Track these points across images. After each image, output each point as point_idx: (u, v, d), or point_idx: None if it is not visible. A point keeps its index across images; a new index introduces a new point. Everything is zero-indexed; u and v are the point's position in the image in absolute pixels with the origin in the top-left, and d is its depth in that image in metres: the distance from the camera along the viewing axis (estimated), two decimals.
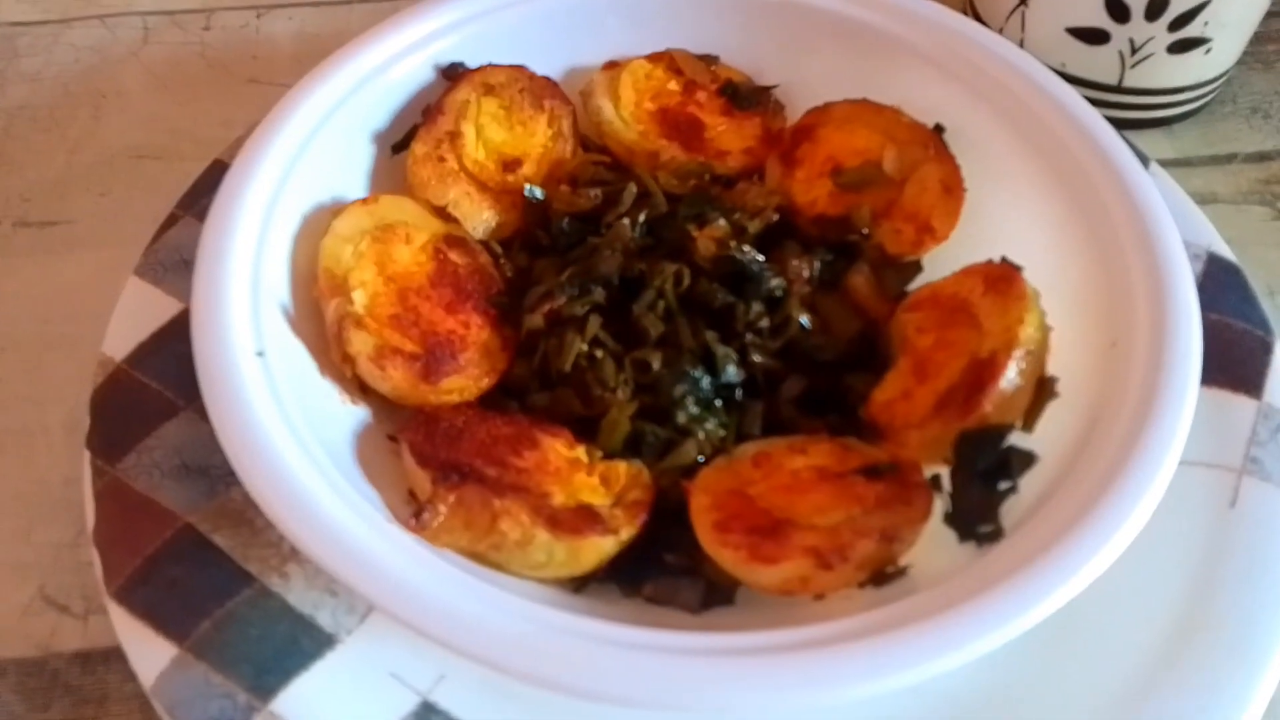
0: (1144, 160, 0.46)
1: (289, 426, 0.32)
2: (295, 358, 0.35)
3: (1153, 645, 0.34)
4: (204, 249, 0.35)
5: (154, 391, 0.39)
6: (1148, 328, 0.34)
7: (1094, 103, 0.52)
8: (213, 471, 0.38)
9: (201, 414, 0.39)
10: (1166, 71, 0.51)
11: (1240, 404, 0.39)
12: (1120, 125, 0.52)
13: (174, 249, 0.43)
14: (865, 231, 0.41)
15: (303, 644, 0.33)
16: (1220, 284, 0.43)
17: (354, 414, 0.36)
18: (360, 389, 0.37)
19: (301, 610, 0.34)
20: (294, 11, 0.60)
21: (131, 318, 0.41)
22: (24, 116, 0.54)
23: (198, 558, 0.35)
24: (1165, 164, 0.52)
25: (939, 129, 0.43)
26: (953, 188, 0.42)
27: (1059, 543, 0.29)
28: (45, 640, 0.37)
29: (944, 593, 0.29)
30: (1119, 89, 0.52)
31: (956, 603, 0.28)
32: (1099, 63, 0.51)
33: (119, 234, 0.48)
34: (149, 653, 0.33)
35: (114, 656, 0.36)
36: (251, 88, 0.56)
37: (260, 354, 0.33)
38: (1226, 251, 0.44)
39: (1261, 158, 0.54)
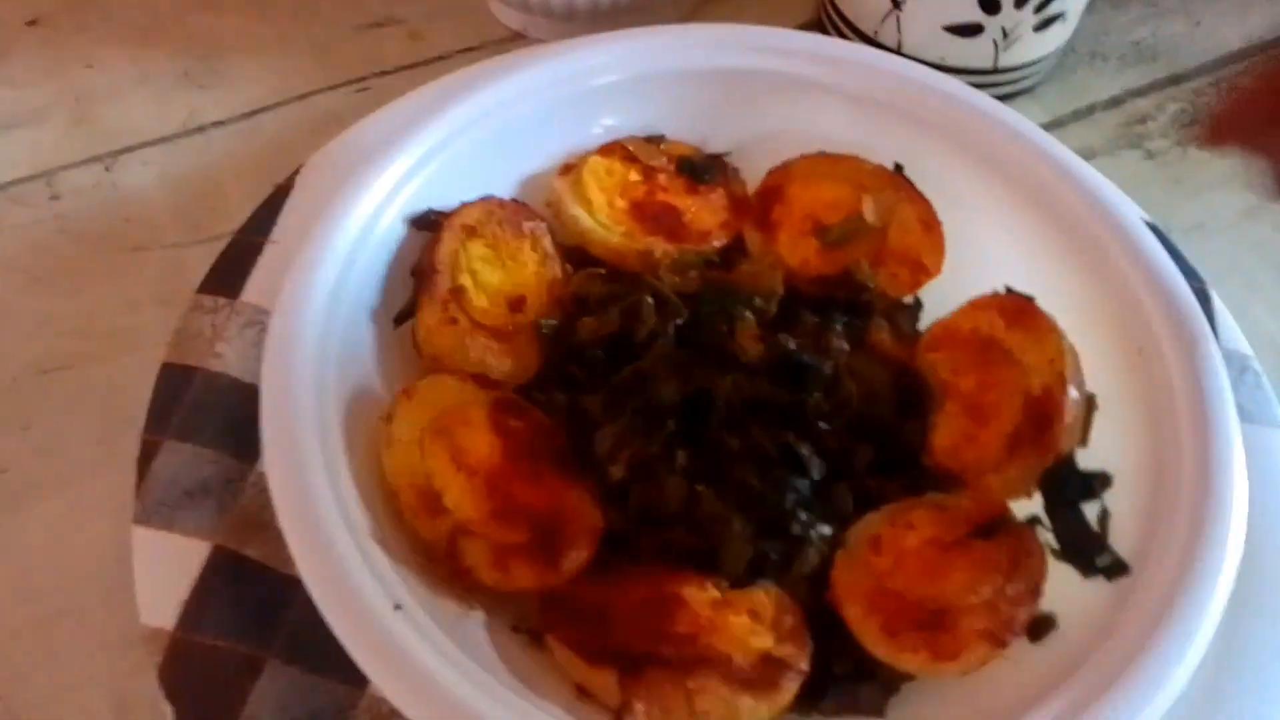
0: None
1: (464, 676, 0.30)
2: (418, 591, 0.33)
3: None
4: (291, 523, 0.32)
5: (225, 650, 0.36)
6: (1167, 332, 0.39)
7: (972, 85, 0.56)
8: (323, 717, 0.36)
9: (286, 659, 0.37)
10: (1032, 47, 0.56)
11: None
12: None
13: (170, 483, 0.39)
14: (870, 285, 0.43)
15: None
16: None
17: (479, 620, 0.35)
18: (469, 591, 0.35)
19: None
20: (145, 154, 0.54)
21: (159, 576, 0.37)
22: None
23: None
24: (1042, 128, 0.56)
25: (898, 168, 0.45)
26: (931, 224, 0.44)
27: (1194, 567, 0.33)
28: None
29: (1132, 637, 0.32)
30: (994, 71, 0.56)
31: (1154, 643, 0.31)
32: (975, 52, 0.55)
33: (63, 474, 0.43)
34: None
35: None
36: (140, 256, 0.50)
37: (398, 607, 0.31)
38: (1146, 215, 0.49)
39: (1115, 102, 0.60)
